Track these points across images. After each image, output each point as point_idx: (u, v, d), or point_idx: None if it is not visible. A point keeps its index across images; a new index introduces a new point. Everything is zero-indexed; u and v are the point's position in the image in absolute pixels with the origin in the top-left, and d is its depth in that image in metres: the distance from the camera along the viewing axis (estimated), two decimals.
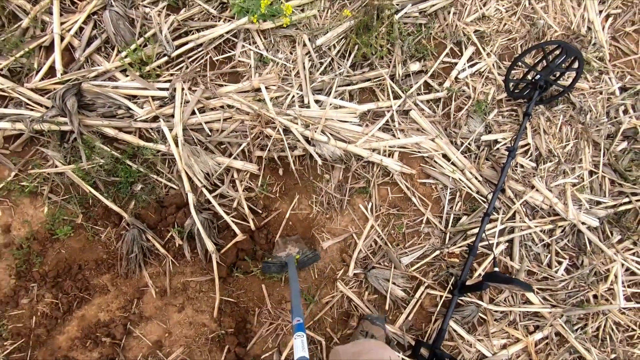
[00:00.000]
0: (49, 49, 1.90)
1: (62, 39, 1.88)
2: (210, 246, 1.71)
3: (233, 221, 1.81)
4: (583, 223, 2.04)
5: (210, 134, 1.87)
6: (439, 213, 2.04)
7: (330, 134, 1.95)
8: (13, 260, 1.70)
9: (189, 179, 1.76)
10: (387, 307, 1.86)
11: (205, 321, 1.76)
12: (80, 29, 1.93)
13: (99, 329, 1.69)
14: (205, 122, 1.87)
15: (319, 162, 1.90)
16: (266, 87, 1.94)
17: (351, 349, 1.47)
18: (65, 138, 1.79)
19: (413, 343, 1.84)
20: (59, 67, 1.83)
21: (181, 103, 1.81)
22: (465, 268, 1.85)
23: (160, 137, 1.82)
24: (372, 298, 1.88)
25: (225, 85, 1.93)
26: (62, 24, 1.91)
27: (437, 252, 1.96)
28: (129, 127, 1.80)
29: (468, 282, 1.81)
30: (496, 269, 1.69)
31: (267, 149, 1.88)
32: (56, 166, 1.71)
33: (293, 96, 1.97)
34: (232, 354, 1.72)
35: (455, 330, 1.89)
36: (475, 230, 1.94)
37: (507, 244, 2.03)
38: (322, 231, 1.93)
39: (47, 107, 1.78)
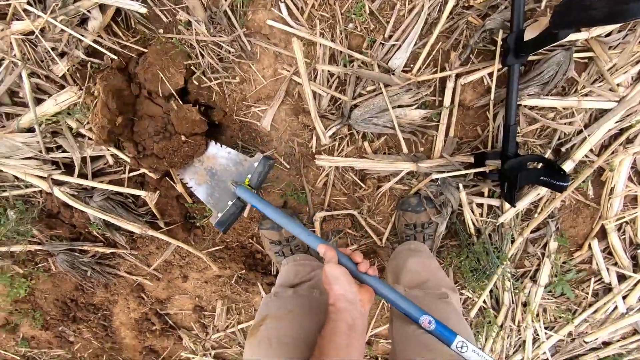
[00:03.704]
0: None
1: None
2: (134, 229, 1.35)
3: (133, 177, 1.34)
4: None
5: None
6: None
7: None
8: (26, 322, 1.82)
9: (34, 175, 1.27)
10: (404, 148, 1.27)
11: (217, 273, 1.63)
12: None
13: (142, 324, 1.81)
14: None
15: (140, 9, 1.02)
16: None
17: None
18: None
19: (472, 161, 1.30)
20: None
21: None
22: (515, 3, 0.96)
23: None
24: (379, 145, 1.29)
25: None
26: None
27: (452, 3, 1.05)
28: None
29: (528, 33, 0.96)
30: None
31: (59, 52, 1.10)
32: None
33: None
34: (264, 285, 1.62)
35: (533, 107, 1.20)
36: None
37: None
38: (248, 106, 1.25)
39: None
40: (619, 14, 0.66)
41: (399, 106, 1.19)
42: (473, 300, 1.59)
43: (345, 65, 1.14)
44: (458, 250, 1.47)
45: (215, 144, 1.22)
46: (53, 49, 1.06)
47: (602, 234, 1.43)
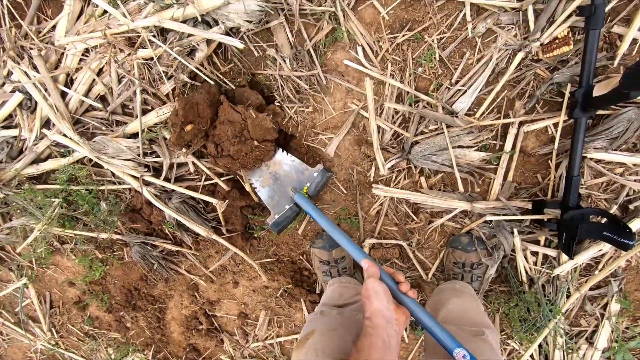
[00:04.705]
0: None
1: None
2: (201, 231, 1.51)
3: (206, 185, 1.50)
4: None
5: (103, 106, 1.44)
6: None
7: None
8: (94, 303, 2.04)
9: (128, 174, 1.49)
10: (460, 187, 1.31)
11: (265, 284, 1.73)
12: None
13: (191, 322, 1.95)
14: (86, 95, 1.43)
15: (238, 45, 1.21)
16: None
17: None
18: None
19: (530, 207, 1.29)
20: None
21: (44, 95, 1.40)
22: (586, 60, 0.99)
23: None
24: (435, 181, 1.34)
25: (57, 25, 1.35)
26: None
27: (521, 55, 1.11)
28: (38, 157, 1.59)
29: (597, 89, 0.99)
30: None
31: (168, 75, 1.32)
32: (26, 236, 1.77)
33: None
34: (307, 302, 1.69)
35: (600, 161, 1.19)
36: None
37: None
38: (317, 133, 1.38)
39: None
40: None
41: (459, 147, 1.25)
42: (519, 352, 1.52)
43: (410, 105, 1.23)
44: (507, 297, 1.44)
45: (282, 151, 1.35)
46: (164, 72, 1.28)
47: None
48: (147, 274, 1.83)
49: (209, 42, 1.25)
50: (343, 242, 1.02)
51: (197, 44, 1.24)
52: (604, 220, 1.18)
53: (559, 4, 1.03)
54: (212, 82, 1.30)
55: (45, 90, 1.40)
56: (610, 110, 1.11)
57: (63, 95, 1.42)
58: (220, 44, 1.28)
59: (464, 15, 1.11)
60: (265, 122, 1.25)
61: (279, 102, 1.34)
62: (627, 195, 1.22)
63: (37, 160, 1.60)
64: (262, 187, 1.38)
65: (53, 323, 2.19)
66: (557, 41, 1.06)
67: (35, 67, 1.38)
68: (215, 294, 1.83)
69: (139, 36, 1.22)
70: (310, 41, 1.23)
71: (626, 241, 1.05)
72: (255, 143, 1.27)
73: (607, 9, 1.01)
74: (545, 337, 1.44)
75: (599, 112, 1.11)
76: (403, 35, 1.17)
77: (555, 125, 1.16)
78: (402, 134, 1.27)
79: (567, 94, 1.09)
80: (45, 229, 1.68)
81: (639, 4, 1.01)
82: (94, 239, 1.79)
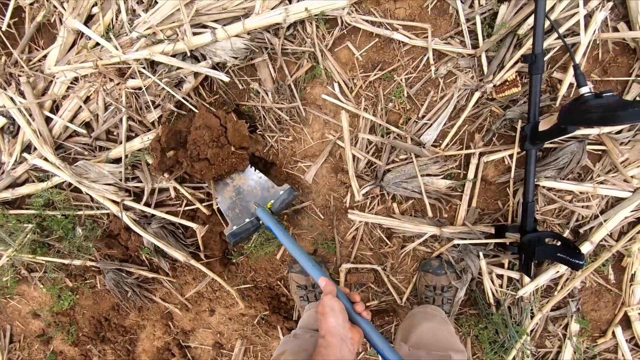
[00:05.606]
0: None
1: None
2: (179, 256, 1.52)
3: (186, 211, 1.54)
4: None
5: (87, 132, 1.48)
6: (454, 28, 1.24)
7: (213, 23, 1.27)
8: (60, 336, 1.95)
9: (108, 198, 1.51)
10: (429, 213, 1.41)
11: (242, 311, 1.73)
12: None
13: (163, 354, 1.88)
14: (71, 122, 1.47)
15: (224, 78, 1.31)
16: (87, 21, 1.32)
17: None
18: None
19: (493, 231, 1.40)
20: None
21: (27, 120, 1.43)
22: (532, 100, 1.14)
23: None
24: (406, 207, 1.44)
25: (48, 54, 1.41)
26: None
27: (477, 95, 1.26)
28: (14, 181, 1.58)
29: (543, 125, 1.13)
30: (586, 89, 0.95)
31: (155, 104, 1.39)
32: None
33: (132, 8, 1.30)
34: (284, 329, 1.69)
35: (551, 189, 1.32)
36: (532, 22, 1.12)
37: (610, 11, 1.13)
38: (296, 161, 1.46)
39: None
40: (610, 118, 0.81)
41: (427, 175, 1.35)
42: None
43: (382, 136, 1.34)
44: (477, 320, 1.50)
45: (250, 167, 1.40)
46: (152, 101, 1.35)
47: (627, 322, 1.43)
48: (120, 302, 1.78)
49: (196, 74, 1.33)
50: (301, 259, 1.04)
51: (185, 76, 1.32)
52: (559, 243, 1.29)
53: (507, 52, 1.19)
54: (198, 112, 1.38)
55: (30, 115, 1.43)
56: (556, 143, 1.26)
57: (47, 120, 1.45)
58: (207, 77, 1.37)
59: (428, 59, 1.26)
60: (244, 129, 1.32)
61: (260, 131, 1.42)
62: (577, 220, 1.34)
63: (13, 185, 1.59)
64: (223, 197, 1.42)
65: (11, 359, 2.05)
66: (507, 83, 1.21)
67: (22, 93, 1.42)
68: (190, 323, 1.79)
69: (129, 67, 1.30)
70: (291, 77, 1.34)
71: (577, 261, 1.15)
72: (233, 149, 1.32)
73: (546, 58, 1.18)
74: (514, 358, 1.49)
75: (547, 144, 1.26)
76: (375, 74, 1.30)
77: (511, 156, 1.29)
78: (376, 163, 1.37)
79: (518, 129, 1.23)
80: (15, 255, 1.64)
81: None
82: (66, 267, 1.74)
